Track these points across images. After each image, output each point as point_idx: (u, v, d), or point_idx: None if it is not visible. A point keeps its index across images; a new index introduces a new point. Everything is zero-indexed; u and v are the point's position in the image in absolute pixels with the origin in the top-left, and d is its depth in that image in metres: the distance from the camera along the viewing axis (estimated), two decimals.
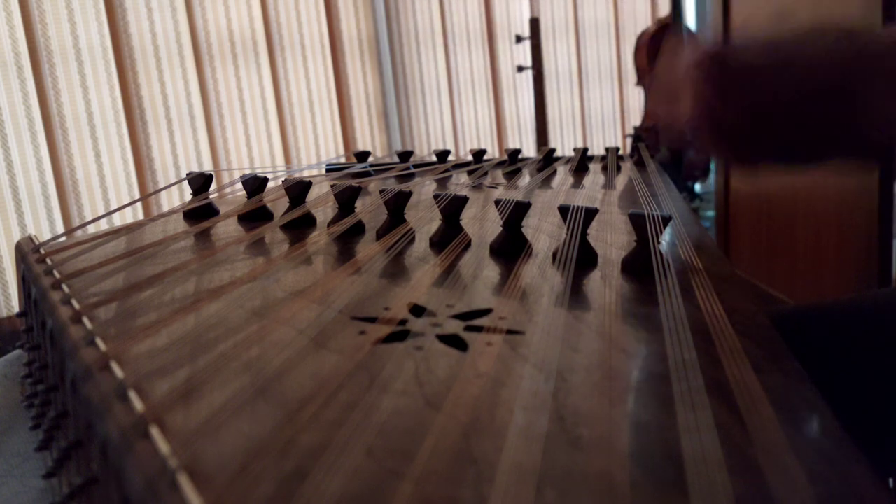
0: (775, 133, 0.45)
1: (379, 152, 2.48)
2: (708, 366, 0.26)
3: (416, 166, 0.79)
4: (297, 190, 0.52)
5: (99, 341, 0.26)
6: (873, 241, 1.17)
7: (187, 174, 0.55)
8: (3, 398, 0.45)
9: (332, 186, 0.50)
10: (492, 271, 0.39)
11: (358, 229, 0.48)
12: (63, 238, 0.46)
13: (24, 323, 0.40)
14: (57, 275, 0.36)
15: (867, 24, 0.44)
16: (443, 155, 0.80)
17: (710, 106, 0.45)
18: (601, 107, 2.86)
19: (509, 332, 0.29)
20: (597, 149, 0.89)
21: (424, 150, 2.54)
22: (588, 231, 0.41)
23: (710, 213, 2.36)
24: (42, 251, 0.42)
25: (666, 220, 0.40)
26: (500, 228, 0.43)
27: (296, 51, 2.32)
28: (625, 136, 2.80)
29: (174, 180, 2.04)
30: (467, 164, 0.80)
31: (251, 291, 0.34)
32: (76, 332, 0.27)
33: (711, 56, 0.45)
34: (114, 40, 2.04)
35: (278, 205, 0.54)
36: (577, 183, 0.72)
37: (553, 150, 0.83)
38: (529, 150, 2.56)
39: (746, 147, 0.47)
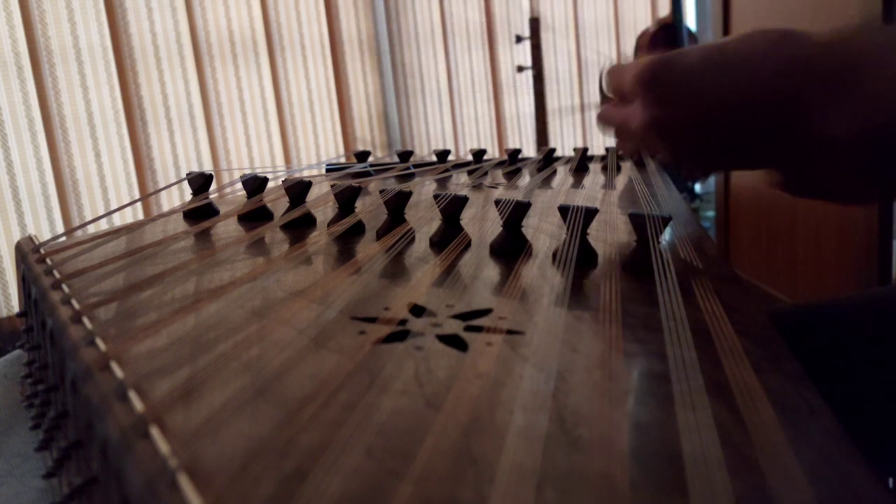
0: (719, 138, 0.46)
1: (379, 152, 2.48)
2: (708, 366, 0.26)
3: (416, 166, 0.79)
4: (297, 190, 0.52)
5: (99, 341, 0.26)
6: (873, 241, 1.17)
7: (187, 174, 0.55)
8: (3, 398, 0.45)
9: (332, 186, 0.50)
10: (492, 271, 0.39)
11: (358, 229, 0.48)
12: (63, 238, 0.46)
13: (24, 323, 0.40)
14: (57, 275, 0.36)
15: (813, 28, 0.44)
16: (443, 155, 0.80)
17: (654, 113, 0.46)
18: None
19: (509, 332, 0.29)
20: (597, 149, 0.89)
21: (424, 150, 2.54)
22: (588, 231, 0.41)
23: (710, 213, 2.36)
24: (42, 251, 0.42)
25: (666, 220, 0.40)
26: (500, 228, 0.43)
27: (296, 51, 2.32)
28: None
29: (174, 180, 2.04)
30: (467, 164, 0.80)
31: (251, 291, 0.34)
32: (76, 332, 0.27)
33: (652, 65, 0.46)
34: (114, 40, 2.04)
35: (278, 205, 0.54)
36: (577, 183, 0.72)
37: (553, 150, 0.83)
38: (529, 150, 2.56)
39: (693, 152, 0.49)
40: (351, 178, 0.69)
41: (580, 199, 0.60)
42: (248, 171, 0.57)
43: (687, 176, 2.45)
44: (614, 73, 0.50)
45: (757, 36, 0.44)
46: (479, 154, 0.82)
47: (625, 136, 0.52)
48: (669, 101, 0.45)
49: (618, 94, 0.50)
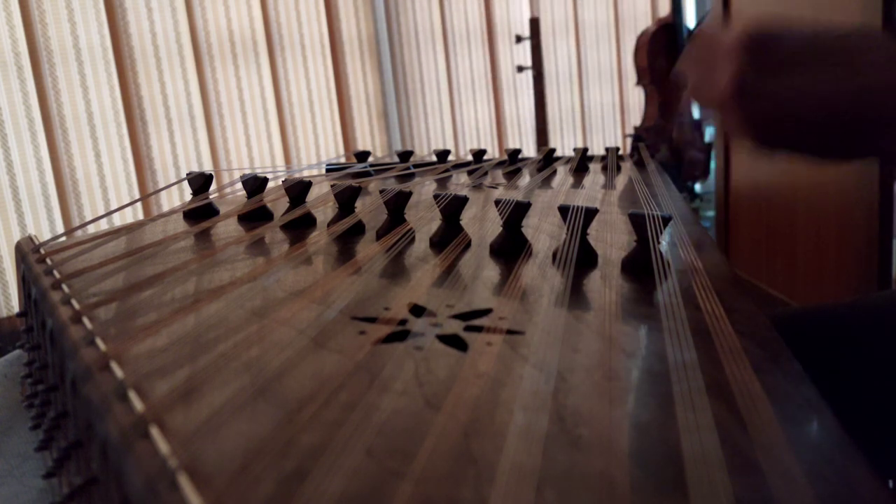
0: (799, 121, 0.45)
1: (379, 152, 2.48)
2: (708, 366, 0.26)
3: (416, 166, 0.79)
4: (297, 190, 0.52)
5: (99, 341, 0.26)
6: (873, 241, 1.17)
7: (187, 174, 0.55)
8: (3, 398, 0.45)
9: (332, 186, 0.50)
10: (492, 271, 0.39)
11: (358, 229, 0.48)
12: (63, 238, 0.46)
13: (24, 323, 0.40)
14: (57, 275, 0.36)
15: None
16: (443, 155, 0.80)
17: (745, 80, 0.44)
18: (601, 107, 2.86)
19: (509, 332, 0.29)
20: (597, 149, 0.89)
21: (424, 150, 2.54)
22: (588, 231, 0.41)
23: (710, 213, 2.36)
24: (42, 251, 0.42)
25: (666, 220, 0.40)
26: (500, 228, 0.43)
27: (296, 51, 2.32)
28: (625, 136, 2.80)
29: (174, 180, 2.04)
30: (467, 164, 0.80)
31: (251, 291, 0.34)
32: (76, 332, 0.27)
33: (758, 32, 0.45)
34: (114, 40, 2.04)
35: (278, 205, 0.54)
36: (577, 183, 0.72)
37: (553, 150, 0.83)
38: (529, 150, 2.56)
39: (769, 130, 0.47)
40: (351, 178, 0.70)
41: (580, 199, 0.60)
42: (248, 171, 0.57)
43: (687, 176, 2.45)
44: (703, 38, 0.50)
45: (860, 35, 0.45)
46: (479, 154, 0.82)
47: (702, 96, 0.52)
48: (764, 76, 0.45)
49: (704, 55, 0.50)
